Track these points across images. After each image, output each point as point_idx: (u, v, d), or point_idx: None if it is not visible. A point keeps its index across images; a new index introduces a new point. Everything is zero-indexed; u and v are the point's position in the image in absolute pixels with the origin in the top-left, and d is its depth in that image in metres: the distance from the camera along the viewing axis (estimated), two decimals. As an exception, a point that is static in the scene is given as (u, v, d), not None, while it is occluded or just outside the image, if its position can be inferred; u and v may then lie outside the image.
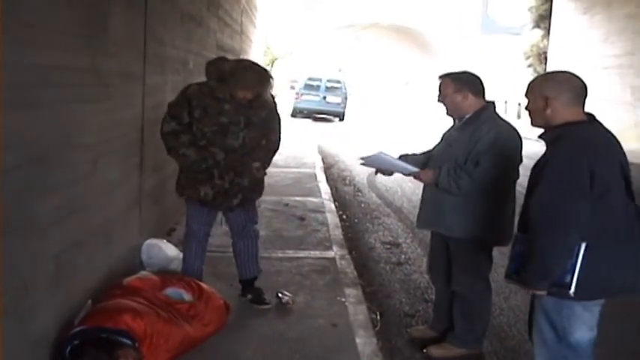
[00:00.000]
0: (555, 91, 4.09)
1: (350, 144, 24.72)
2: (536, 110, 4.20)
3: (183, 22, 9.48)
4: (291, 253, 8.35)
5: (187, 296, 5.65)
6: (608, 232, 3.94)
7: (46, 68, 4.39)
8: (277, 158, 17.43)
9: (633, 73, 27.60)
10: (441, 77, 5.79)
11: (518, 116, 42.26)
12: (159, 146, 7.95)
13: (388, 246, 9.89)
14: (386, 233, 10.74)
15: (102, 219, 5.97)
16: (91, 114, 5.48)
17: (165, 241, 7.65)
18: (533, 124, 4.32)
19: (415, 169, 5.73)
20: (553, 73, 4.51)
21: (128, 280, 5.63)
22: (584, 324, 4.13)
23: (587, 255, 3.90)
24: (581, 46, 32.82)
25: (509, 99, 45.93)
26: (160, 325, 4.96)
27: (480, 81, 5.70)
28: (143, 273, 6.00)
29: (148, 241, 7.38)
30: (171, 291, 5.63)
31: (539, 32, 40.37)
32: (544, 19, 39.00)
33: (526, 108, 4.33)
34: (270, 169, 15.32)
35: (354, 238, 9.99)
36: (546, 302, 4.16)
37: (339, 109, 38.42)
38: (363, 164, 6.19)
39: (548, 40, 38.24)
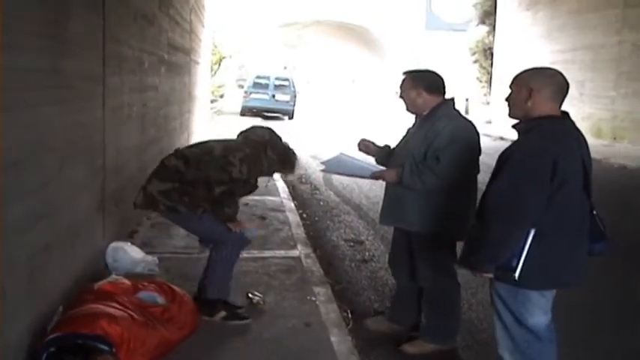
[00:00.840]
0: (540, 84, 4.21)
1: (302, 142, 24.67)
2: (518, 101, 4.30)
3: (137, 22, 9.38)
4: (256, 253, 8.28)
5: (161, 299, 5.59)
6: (561, 225, 4.06)
7: (12, 70, 4.31)
8: (232, 158, 17.47)
9: (577, 68, 27.95)
10: (403, 74, 5.94)
11: (467, 112, 42.66)
12: (120, 149, 7.96)
13: (351, 243, 9.91)
14: (347, 231, 10.76)
15: (69, 222, 5.91)
16: (55, 116, 5.42)
17: (129, 243, 7.58)
18: (510, 115, 4.42)
19: (376, 169, 5.86)
20: (542, 67, 4.55)
21: (99, 285, 5.55)
22: (540, 309, 4.28)
23: (535, 243, 4.03)
24: (526, 42, 33.24)
25: (456, 94, 46.22)
26: (136, 330, 4.90)
27: (438, 79, 5.83)
28: (114, 277, 5.92)
29: (113, 244, 7.30)
30: (145, 294, 5.57)
31: (484, 28, 40.87)
32: (489, 15, 39.51)
33: (506, 99, 4.42)
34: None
35: (316, 237, 9.99)
36: (501, 288, 4.33)
37: (288, 107, 38.51)
38: (323, 170, 6.36)
39: (493, 36, 38.76)
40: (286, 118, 38.27)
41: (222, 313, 6.05)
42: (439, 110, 5.65)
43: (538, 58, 31.45)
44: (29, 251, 4.72)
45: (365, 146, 6.21)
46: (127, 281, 5.77)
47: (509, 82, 4.44)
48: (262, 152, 6.26)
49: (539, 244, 4.03)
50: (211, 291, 6.09)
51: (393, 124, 38.64)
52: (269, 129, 6.64)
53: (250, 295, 6.55)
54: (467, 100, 42.79)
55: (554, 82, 4.26)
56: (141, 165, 9.96)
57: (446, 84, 5.82)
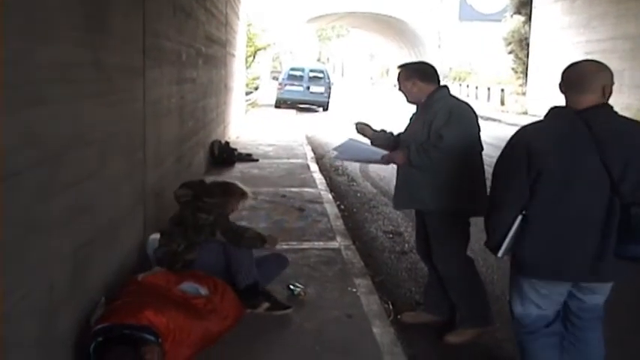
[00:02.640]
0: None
1: (338, 134, 24.71)
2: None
3: (176, 15, 9.43)
4: (295, 245, 8.32)
5: (203, 290, 5.61)
6: (548, 216, 4.07)
7: (52, 64, 4.33)
8: (268, 150, 17.62)
9: (617, 58, 27.70)
10: (400, 67, 6.17)
11: (502, 102, 42.49)
12: (159, 141, 7.98)
13: (390, 235, 9.91)
14: (386, 222, 10.75)
15: (111, 215, 5.94)
16: (96, 109, 5.44)
17: (169, 235, 7.62)
18: None
19: (385, 152, 5.99)
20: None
21: (143, 276, 5.60)
22: (530, 302, 4.34)
23: (522, 229, 4.13)
24: (563, 32, 32.97)
25: (492, 85, 46.21)
26: (182, 321, 4.92)
27: (430, 68, 6.06)
28: (157, 269, 5.96)
29: (153, 236, 7.31)
30: (187, 286, 5.60)
31: (519, 18, 40.61)
32: (525, 5, 39.25)
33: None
34: (262, 161, 15.54)
35: (355, 228, 9.98)
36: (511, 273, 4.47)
37: (322, 99, 38.48)
38: (336, 157, 6.64)
39: (529, 26, 38.41)
40: (321, 109, 38.27)
41: (265, 304, 6.07)
42: (435, 95, 5.85)
43: (576, 47, 31.25)
44: (74, 245, 4.76)
45: (361, 129, 6.47)
46: (169, 273, 5.80)
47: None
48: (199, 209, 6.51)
49: (524, 231, 4.13)
50: (241, 279, 6.17)
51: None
52: (187, 186, 6.86)
53: (292, 286, 6.55)
54: (502, 90, 42.59)
55: (568, 76, 4.24)
56: (179, 156, 10.04)
57: (438, 73, 6.05)
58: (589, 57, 26.26)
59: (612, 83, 4.13)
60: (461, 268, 5.93)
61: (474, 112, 5.82)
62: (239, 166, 14.93)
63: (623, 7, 27.61)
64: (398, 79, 6.06)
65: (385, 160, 5.99)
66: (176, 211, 6.71)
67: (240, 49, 23.32)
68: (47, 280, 4.26)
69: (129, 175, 6.67)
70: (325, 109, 38.39)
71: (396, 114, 38.82)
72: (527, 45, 38.47)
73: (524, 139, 4.15)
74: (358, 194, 13.13)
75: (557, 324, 4.43)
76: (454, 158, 5.57)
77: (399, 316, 6.51)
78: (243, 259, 6.24)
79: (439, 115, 5.63)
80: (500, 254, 4.31)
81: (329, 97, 39.01)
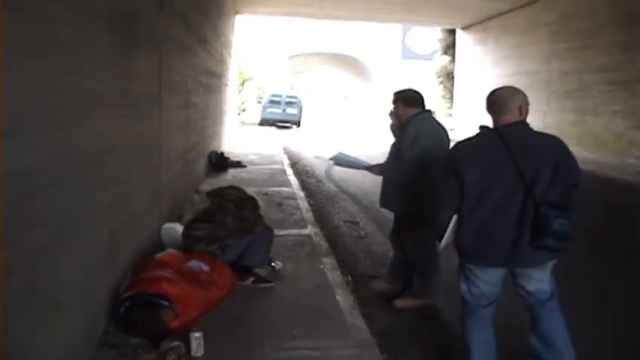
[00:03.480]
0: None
1: (307, 145, 24.80)
2: None
3: (182, 54, 9.45)
4: (276, 232, 8.29)
5: (205, 267, 5.63)
6: (469, 213, 4.05)
7: (94, 92, 4.39)
8: (254, 158, 17.56)
9: (520, 88, 28.06)
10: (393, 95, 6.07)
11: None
12: (170, 151, 8.02)
13: (349, 224, 9.93)
14: (346, 214, 10.76)
15: (135, 209, 5.99)
16: (125, 127, 5.50)
17: (178, 224, 7.62)
18: None
19: (367, 164, 6.21)
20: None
21: (159, 256, 5.63)
22: (468, 280, 4.27)
23: (458, 224, 4.13)
24: (479, 68, 33.33)
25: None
26: (189, 290, 4.96)
27: (415, 94, 5.90)
28: (169, 250, 5.99)
29: (166, 225, 7.34)
30: (193, 263, 5.62)
31: (447, 58, 40.91)
32: (450, 47, 39.55)
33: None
34: (249, 167, 15.48)
35: (322, 219, 9.99)
36: None
37: (296, 119, 38.48)
38: (334, 163, 6.60)
39: (454, 63, 38.76)
40: (294, 126, 38.26)
41: (252, 278, 6.14)
42: (412, 119, 5.72)
43: (488, 80, 31.60)
44: (110, 231, 4.82)
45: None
46: (179, 253, 5.84)
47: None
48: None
49: (459, 225, 4.13)
50: (251, 262, 6.33)
51: (375, 131, 38.77)
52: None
53: (273, 264, 6.59)
54: (434, 112, 42.77)
55: (488, 100, 4.24)
56: (186, 163, 10.06)
57: (423, 98, 5.91)
58: (500, 86, 26.59)
59: (527, 104, 4.13)
60: (425, 257, 5.95)
61: (445, 134, 5.71)
62: (231, 171, 14.89)
63: (521, 51, 28.02)
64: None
65: (367, 170, 6.18)
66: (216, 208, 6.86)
67: (232, 79, 23.31)
68: (91, 258, 4.32)
69: (148, 178, 6.70)
70: (298, 126, 38.38)
71: (351, 128, 39.16)
72: (453, 78, 38.75)
73: (453, 152, 4.20)
74: (324, 192, 13.15)
75: (493, 306, 4.32)
76: (417, 173, 5.52)
77: (366, 282, 6.67)
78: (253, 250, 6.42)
79: (408, 138, 5.59)
80: (441, 246, 4.35)
81: (301, 117, 39.11)
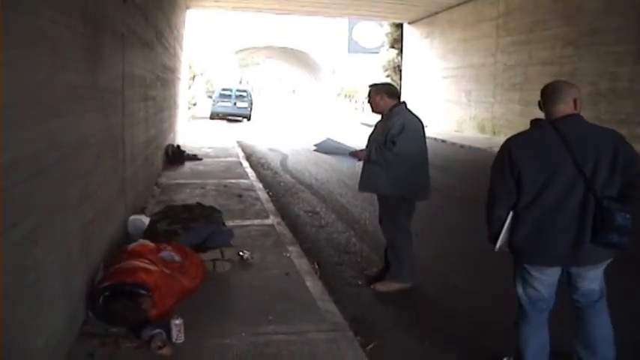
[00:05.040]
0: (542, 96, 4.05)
1: (260, 138, 24.78)
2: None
3: (143, 49, 9.40)
4: (239, 222, 8.38)
5: (177, 257, 5.64)
6: (528, 210, 3.84)
7: (66, 86, 4.36)
8: (209, 151, 17.51)
9: (465, 81, 28.57)
10: (369, 87, 6.33)
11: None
12: (133, 144, 7.99)
13: (310, 214, 9.99)
14: (305, 204, 10.82)
15: (105, 201, 5.96)
16: (94, 120, 5.48)
17: (144, 216, 7.63)
18: None
19: (353, 149, 6.25)
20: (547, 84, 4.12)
21: (132, 246, 5.60)
22: (525, 283, 4.07)
23: (512, 222, 3.94)
24: (426, 61, 33.71)
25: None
26: (165, 280, 4.97)
27: (395, 89, 6.33)
28: (141, 241, 5.96)
29: (132, 217, 7.35)
30: (165, 254, 5.61)
31: (394, 51, 41.17)
32: (397, 41, 39.84)
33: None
34: (205, 160, 15.47)
35: (282, 209, 10.02)
36: None
37: (246, 112, 38.36)
38: (316, 150, 6.56)
39: (401, 57, 39.05)
40: (245, 120, 38.13)
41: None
42: (395, 109, 6.06)
43: (436, 73, 32.01)
44: (82, 223, 4.79)
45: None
46: (151, 244, 5.83)
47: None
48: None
49: (514, 224, 3.93)
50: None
51: (323, 122, 38.76)
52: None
53: (241, 253, 6.62)
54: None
55: (545, 92, 4.02)
56: (146, 156, 10.02)
57: (399, 92, 6.31)
58: (446, 80, 27.05)
59: (580, 97, 3.92)
60: (402, 240, 6.13)
61: (422, 125, 6.05)
62: (188, 164, 14.83)
63: (467, 45, 28.43)
64: (368, 95, 6.23)
65: (352, 155, 6.22)
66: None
67: (184, 74, 23.16)
68: (66, 250, 4.30)
69: (114, 171, 6.66)
70: (249, 119, 38.27)
71: (300, 120, 39.18)
72: (400, 71, 39.05)
73: (506, 146, 3.92)
74: (281, 184, 13.17)
75: (548, 310, 4.12)
76: (403, 159, 5.82)
77: (365, 272, 6.75)
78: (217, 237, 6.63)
79: (395, 127, 5.85)
80: (497, 247, 4.07)
81: (251, 110, 39.02)
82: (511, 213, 3.93)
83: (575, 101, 3.87)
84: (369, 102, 6.24)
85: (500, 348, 4.79)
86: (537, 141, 3.86)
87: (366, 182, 6.21)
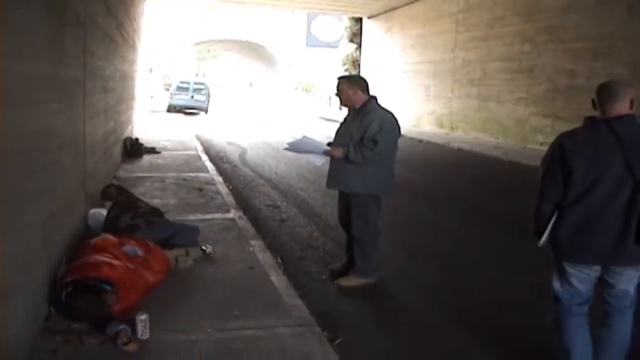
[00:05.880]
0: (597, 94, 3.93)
1: (218, 132, 24.60)
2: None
3: (104, 40, 9.23)
4: (200, 216, 8.29)
5: (140, 252, 5.53)
6: (574, 207, 3.81)
7: (29, 76, 4.23)
8: (167, 144, 17.32)
9: (424, 76, 28.73)
10: (338, 79, 6.15)
11: (340, 108, 43.34)
12: (93, 136, 7.84)
13: (271, 208, 9.91)
14: (265, 198, 10.74)
15: (67, 194, 5.83)
16: (59, 111, 5.36)
17: (104, 209, 7.46)
18: None
19: (327, 147, 6.04)
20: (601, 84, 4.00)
21: (94, 241, 5.47)
22: (563, 279, 4.03)
23: (556, 219, 3.90)
24: (385, 56, 33.80)
25: (332, 95, 47.31)
26: (129, 274, 4.87)
27: (366, 82, 6.14)
28: (104, 235, 5.84)
29: (92, 210, 7.21)
30: (128, 248, 5.50)
31: (353, 45, 41.28)
32: (356, 35, 39.90)
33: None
34: (164, 153, 15.27)
35: (242, 203, 9.91)
36: None
37: (204, 105, 38.02)
38: (286, 149, 6.33)
39: (360, 51, 39.13)
40: (202, 113, 37.80)
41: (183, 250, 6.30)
42: (368, 105, 5.96)
43: (395, 67, 32.12)
44: (42, 217, 4.65)
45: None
46: (114, 238, 5.71)
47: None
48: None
49: (558, 219, 3.89)
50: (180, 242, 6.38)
51: (281, 116, 38.71)
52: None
53: (204, 247, 6.51)
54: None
55: (601, 90, 3.90)
56: (105, 149, 9.85)
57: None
58: (405, 75, 27.13)
59: (635, 99, 3.85)
60: (372, 236, 6.08)
61: (397, 122, 5.97)
62: (146, 157, 14.62)
63: (427, 40, 28.61)
64: (338, 87, 6.05)
65: (326, 153, 6.04)
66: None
67: (141, 66, 22.86)
68: (27, 244, 4.18)
69: (75, 163, 6.52)
70: (206, 112, 37.97)
71: (257, 114, 39.06)
72: (359, 65, 39.14)
73: (558, 143, 3.86)
74: (241, 177, 13.06)
75: (587, 305, 4.08)
76: (381, 157, 5.82)
77: (329, 267, 6.67)
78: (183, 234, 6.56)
79: (373, 124, 5.75)
80: (541, 242, 4.00)
81: (209, 103, 38.72)
82: (557, 211, 3.89)
83: (631, 101, 3.83)
84: (337, 95, 6.10)
85: (464, 341, 4.89)
86: (591, 138, 3.80)
87: (336, 179, 6.12)
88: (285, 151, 6.49)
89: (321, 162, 6.16)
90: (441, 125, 27.00)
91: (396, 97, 31.29)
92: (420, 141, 22.95)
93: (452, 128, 25.92)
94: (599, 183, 3.71)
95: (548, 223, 3.94)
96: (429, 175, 14.66)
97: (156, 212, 7.06)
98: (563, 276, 4.03)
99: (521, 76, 21.09)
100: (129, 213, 6.62)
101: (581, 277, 3.98)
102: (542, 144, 19.62)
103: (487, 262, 7.25)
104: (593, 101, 3.92)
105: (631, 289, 4.01)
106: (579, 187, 3.76)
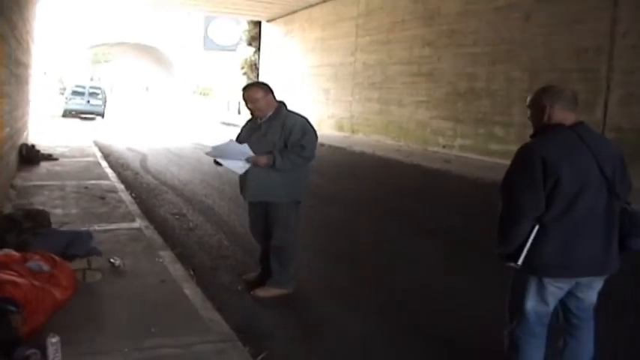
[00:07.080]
0: (552, 100, 3.76)
1: (116, 137, 23.91)
2: (537, 118, 3.83)
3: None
4: (105, 226, 7.94)
5: (46, 267, 5.18)
6: (560, 221, 3.58)
7: None
8: (65, 151, 16.69)
9: (324, 79, 28.89)
10: (249, 87, 5.94)
11: (239, 112, 43.21)
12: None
13: (177, 216, 9.62)
14: (171, 206, 10.43)
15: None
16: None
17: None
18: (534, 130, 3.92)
19: (251, 155, 5.67)
20: (550, 86, 3.90)
21: (-5, 257, 5.12)
22: (538, 298, 3.76)
23: (538, 234, 3.61)
24: (285, 59, 33.84)
25: (231, 99, 47.16)
26: (35, 293, 4.54)
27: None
28: (5, 250, 5.46)
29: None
30: (32, 264, 5.14)
31: (251, 49, 41.20)
32: (255, 39, 39.84)
33: (529, 118, 3.92)
34: (62, 160, 14.70)
35: (147, 212, 9.57)
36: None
37: (100, 110, 37.06)
38: (208, 153, 5.95)
39: (258, 55, 39.06)
40: (99, 118, 36.81)
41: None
42: (281, 110, 5.82)
43: (295, 71, 32.15)
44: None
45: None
46: (15, 253, 5.35)
47: (527, 104, 3.89)
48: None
49: (539, 235, 3.61)
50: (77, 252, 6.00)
51: (180, 120, 38.25)
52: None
53: (112, 260, 6.20)
54: (239, 102, 42.98)
55: (562, 96, 3.76)
56: (1, 157, 9.35)
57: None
58: (305, 78, 27.40)
59: None
60: (291, 244, 5.95)
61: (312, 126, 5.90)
62: (44, 164, 13.97)
63: (327, 44, 28.85)
64: (250, 95, 5.76)
65: (250, 161, 5.68)
66: None
67: (36, 69, 21.99)
68: None
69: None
70: (103, 117, 36.98)
71: (154, 118, 38.31)
72: (257, 68, 39.09)
73: (538, 154, 3.56)
74: (144, 185, 12.65)
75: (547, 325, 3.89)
76: (305, 161, 5.76)
77: (243, 277, 6.49)
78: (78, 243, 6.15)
79: (295, 130, 5.63)
80: (520, 262, 3.64)
81: (105, 108, 37.75)
82: (536, 226, 3.62)
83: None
84: (249, 104, 5.81)
85: (387, 347, 4.86)
86: (568, 147, 3.64)
87: (258, 190, 5.85)
88: (206, 155, 6.05)
89: (242, 170, 5.79)
90: (341, 128, 27.15)
91: (297, 100, 31.24)
92: (322, 144, 22.88)
93: (352, 131, 26.12)
94: (583, 192, 3.57)
95: (527, 241, 3.65)
96: (334, 178, 14.65)
97: (36, 218, 6.70)
98: (541, 294, 3.74)
99: (421, 79, 21.46)
100: (12, 232, 6.23)
101: (557, 294, 3.76)
102: (444, 146, 20.06)
103: (402, 263, 7.32)
104: (541, 108, 3.75)
105: (595, 299, 3.92)
106: (566, 199, 3.56)
